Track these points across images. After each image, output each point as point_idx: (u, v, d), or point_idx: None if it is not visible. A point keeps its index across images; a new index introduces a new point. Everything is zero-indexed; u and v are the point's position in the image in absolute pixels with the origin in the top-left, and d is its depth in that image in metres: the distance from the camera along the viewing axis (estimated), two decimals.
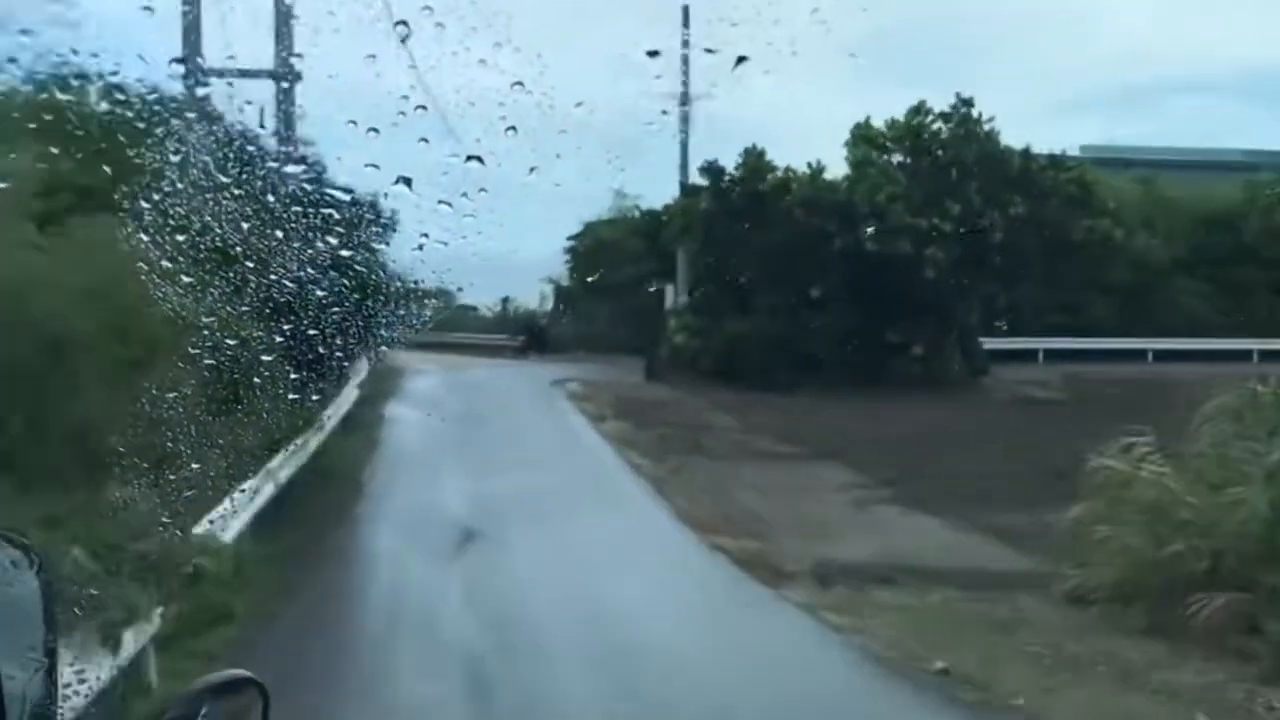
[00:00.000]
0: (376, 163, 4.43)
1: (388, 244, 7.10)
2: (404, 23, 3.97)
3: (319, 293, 5.72)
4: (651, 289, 33.83)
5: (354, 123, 4.28)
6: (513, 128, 3.85)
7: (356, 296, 6.28)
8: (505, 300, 42.72)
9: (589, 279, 41.89)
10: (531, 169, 4.11)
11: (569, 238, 42.66)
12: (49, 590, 1.46)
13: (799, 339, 27.53)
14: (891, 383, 27.33)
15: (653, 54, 4.46)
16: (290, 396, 7.46)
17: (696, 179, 31.15)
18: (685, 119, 33.01)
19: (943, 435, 20.80)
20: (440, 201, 4.11)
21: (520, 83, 3.85)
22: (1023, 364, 33.00)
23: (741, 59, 5.17)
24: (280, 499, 10.58)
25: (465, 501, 13.54)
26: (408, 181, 4.03)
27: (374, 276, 6.57)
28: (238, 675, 1.58)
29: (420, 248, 4.95)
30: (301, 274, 5.49)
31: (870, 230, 26.29)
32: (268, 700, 1.57)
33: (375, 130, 4.13)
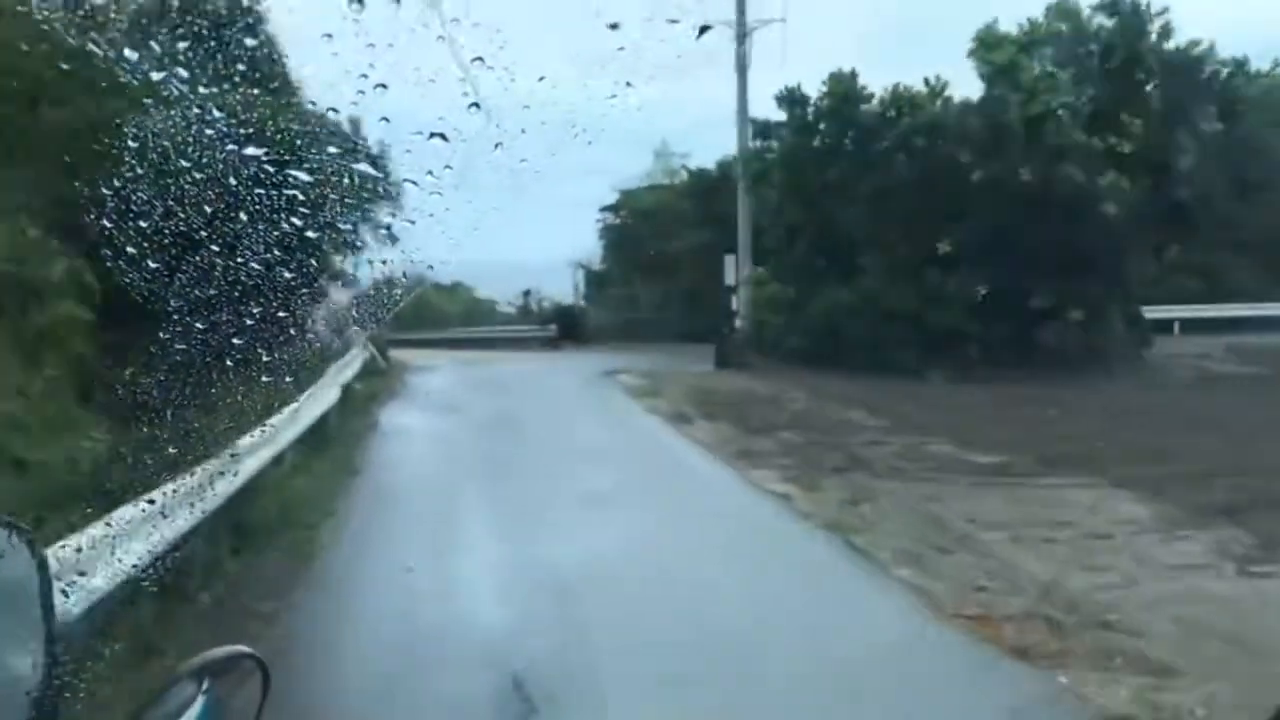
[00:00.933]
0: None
1: (353, 225, 5.47)
2: None
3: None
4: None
5: (314, 104, 4.26)
6: (475, 104, 3.57)
7: (308, 284, 4.77)
8: (526, 293, 37.54)
9: (628, 257, 36.91)
10: (496, 145, 3.60)
11: (602, 209, 37.37)
12: (45, 573, 1.39)
13: (924, 306, 20.97)
14: (1044, 359, 20.81)
15: (613, 26, 3.21)
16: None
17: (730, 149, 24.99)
18: (743, 50, 27.17)
19: (1190, 429, 14.19)
20: (404, 179, 3.84)
21: (480, 58, 3.44)
22: (1159, 335, 26.76)
23: (704, 28, 4.52)
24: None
25: (507, 599, 7.01)
26: (373, 160, 3.94)
27: (338, 257, 5.88)
28: (238, 651, 1.55)
29: (388, 228, 4.60)
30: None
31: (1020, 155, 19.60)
32: (268, 675, 1.53)
33: (335, 110, 3.94)
